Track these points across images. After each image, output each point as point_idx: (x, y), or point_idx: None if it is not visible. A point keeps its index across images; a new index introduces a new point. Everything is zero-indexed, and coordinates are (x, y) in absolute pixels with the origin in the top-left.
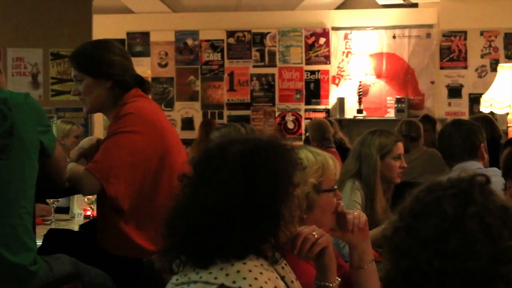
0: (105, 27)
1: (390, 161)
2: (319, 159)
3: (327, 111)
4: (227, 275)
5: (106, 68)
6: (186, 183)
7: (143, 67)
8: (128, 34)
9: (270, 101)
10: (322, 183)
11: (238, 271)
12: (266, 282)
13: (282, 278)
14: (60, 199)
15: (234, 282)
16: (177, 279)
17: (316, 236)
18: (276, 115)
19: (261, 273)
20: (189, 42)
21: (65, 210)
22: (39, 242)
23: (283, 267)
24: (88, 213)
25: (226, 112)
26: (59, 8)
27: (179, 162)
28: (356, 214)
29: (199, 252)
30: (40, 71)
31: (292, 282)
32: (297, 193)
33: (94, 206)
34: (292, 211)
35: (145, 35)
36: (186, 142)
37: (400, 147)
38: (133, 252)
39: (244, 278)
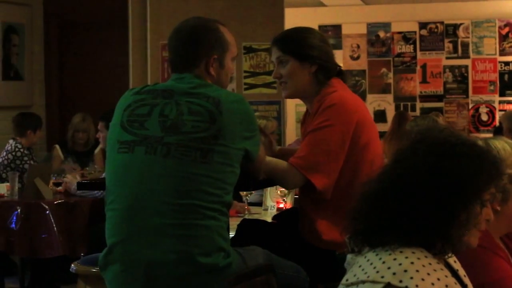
0: (297, 20)
1: None
2: None
3: None
4: (394, 274)
5: (312, 51)
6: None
7: (336, 60)
8: (320, 27)
9: (464, 93)
10: None
11: (406, 271)
12: (433, 284)
13: (456, 271)
14: (253, 192)
15: (400, 281)
16: (347, 280)
17: None
18: (470, 107)
19: (428, 274)
20: (381, 34)
21: (257, 205)
22: (231, 234)
23: (455, 261)
24: (281, 205)
25: (418, 105)
26: (252, 2)
27: (377, 155)
28: None
29: (374, 231)
30: None
31: (464, 276)
32: (485, 210)
33: (287, 198)
34: (470, 217)
35: (337, 27)
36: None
37: None
38: (328, 243)
39: (411, 278)
